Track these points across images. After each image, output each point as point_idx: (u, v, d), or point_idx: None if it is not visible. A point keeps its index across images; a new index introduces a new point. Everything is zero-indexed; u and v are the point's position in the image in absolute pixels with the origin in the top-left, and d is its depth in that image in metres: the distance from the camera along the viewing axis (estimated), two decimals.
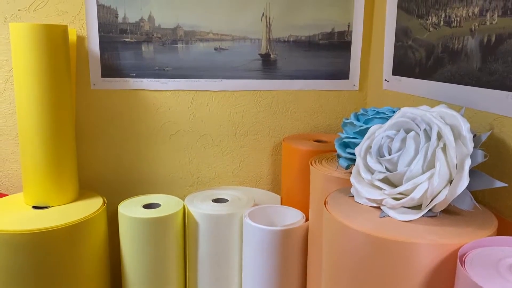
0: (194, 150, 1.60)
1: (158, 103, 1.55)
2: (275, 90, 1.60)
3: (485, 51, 0.97)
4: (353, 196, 0.96)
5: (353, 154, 1.11)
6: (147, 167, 1.59)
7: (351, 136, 1.12)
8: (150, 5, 1.48)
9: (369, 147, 0.96)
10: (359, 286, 0.83)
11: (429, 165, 0.85)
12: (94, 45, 1.47)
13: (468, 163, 0.81)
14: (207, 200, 1.49)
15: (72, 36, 1.43)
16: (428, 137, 0.87)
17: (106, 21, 1.47)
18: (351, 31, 1.59)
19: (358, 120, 1.14)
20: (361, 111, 1.14)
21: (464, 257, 0.71)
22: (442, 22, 1.14)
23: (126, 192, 1.59)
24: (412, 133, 0.89)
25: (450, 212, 0.88)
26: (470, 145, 0.83)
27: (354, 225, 0.83)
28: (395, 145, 0.90)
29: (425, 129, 0.88)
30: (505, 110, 0.92)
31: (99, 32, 1.47)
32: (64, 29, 1.29)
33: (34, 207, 1.33)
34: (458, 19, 1.07)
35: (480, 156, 0.84)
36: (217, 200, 1.51)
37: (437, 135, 0.86)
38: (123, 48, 1.49)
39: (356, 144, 1.10)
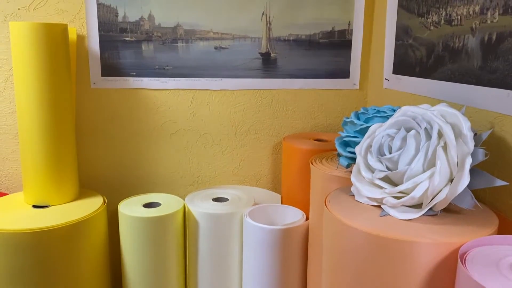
0: (195, 149, 1.60)
1: (158, 102, 1.55)
2: (275, 89, 1.60)
3: (486, 50, 0.97)
4: (353, 195, 0.96)
5: (354, 153, 1.11)
6: (147, 166, 1.59)
7: (351, 135, 1.11)
8: (150, 4, 1.47)
9: (370, 145, 0.96)
10: (359, 285, 0.83)
11: (430, 164, 0.85)
12: (94, 44, 1.47)
13: (468, 161, 0.81)
14: (207, 199, 1.49)
15: (72, 35, 1.43)
16: (428, 136, 0.87)
17: (106, 20, 1.46)
18: (352, 30, 1.59)
19: (358, 119, 1.14)
20: (362, 110, 1.14)
21: (465, 255, 0.71)
22: (442, 21, 1.14)
23: (126, 191, 1.59)
24: (412, 131, 0.88)
25: (450, 211, 0.88)
26: (471, 143, 0.82)
27: (355, 224, 0.82)
28: (396, 143, 0.90)
29: (425, 128, 0.88)
30: (506, 108, 0.91)
31: (99, 31, 1.46)
32: (64, 28, 1.28)
33: (34, 206, 1.33)
34: (459, 17, 1.07)
35: (481, 155, 0.84)
36: (217, 199, 1.51)
37: (437, 133, 0.86)
38: (123, 47, 1.49)
39: (357, 143, 1.10)
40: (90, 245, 1.29)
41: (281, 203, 1.58)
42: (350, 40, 1.60)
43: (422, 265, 0.76)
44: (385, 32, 1.46)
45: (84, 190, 1.46)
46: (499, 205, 0.95)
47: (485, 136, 0.87)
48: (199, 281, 1.45)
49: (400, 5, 1.36)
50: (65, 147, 1.32)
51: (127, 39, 1.49)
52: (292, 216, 1.43)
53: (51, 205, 1.33)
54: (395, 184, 0.90)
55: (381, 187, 0.91)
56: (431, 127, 0.87)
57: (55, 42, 1.25)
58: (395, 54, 1.41)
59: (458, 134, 0.85)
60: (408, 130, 0.91)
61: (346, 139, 1.12)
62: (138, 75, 1.51)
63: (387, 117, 1.09)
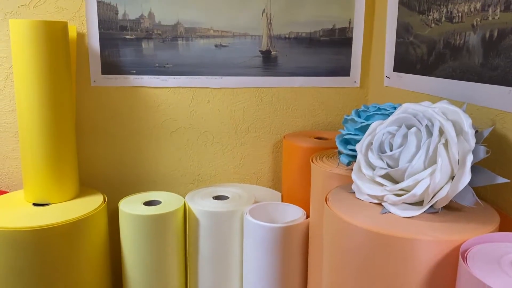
0: (195, 147, 1.60)
1: (159, 100, 1.54)
2: (275, 87, 1.60)
3: (487, 47, 0.97)
4: (354, 193, 0.96)
5: (354, 150, 1.10)
6: (147, 164, 1.58)
7: (352, 133, 1.11)
8: (150, 1, 1.47)
9: (370, 143, 0.96)
10: (360, 282, 0.82)
11: (431, 161, 0.85)
12: (94, 42, 1.47)
13: (470, 159, 0.81)
14: (207, 197, 1.48)
15: (72, 33, 1.42)
16: (429, 133, 0.87)
17: (106, 17, 1.46)
18: (352, 28, 1.59)
19: (359, 116, 1.13)
20: (362, 108, 1.14)
21: (466, 253, 0.71)
22: (443, 18, 1.13)
23: (127, 189, 1.59)
24: (413, 129, 0.88)
25: (451, 208, 0.87)
26: (472, 140, 0.82)
27: (355, 222, 0.82)
28: (397, 141, 0.90)
29: (426, 125, 0.87)
30: (507, 105, 0.91)
31: (99, 29, 1.46)
32: (64, 26, 1.28)
33: (34, 204, 1.33)
34: (460, 14, 1.06)
35: (482, 152, 0.84)
36: (217, 197, 1.50)
37: (439, 131, 0.85)
38: (123, 45, 1.49)
39: (357, 141, 1.09)
40: (90, 243, 1.29)
41: (282, 201, 1.58)
42: (351, 38, 1.59)
43: (423, 263, 0.76)
44: (386, 29, 1.46)
45: (84, 188, 1.46)
46: (500, 203, 0.95)
47: (486, 133, 0.87)
48: (200, 279, 1.45)
49: (400, 2, 1.36)
50: (65, 145, 1.32)
51: (127, 37, 1.48)
52: (293, 214, 1.42)
53: (51, 203, 1.33)
54: (396, 182, 0.90)
55: (382, 185, 0.90)
56: (432, 124, 0.87)
57: (55, 40, 1.25)
58: (395, 51, 1.40)
59: (459, 131, 0.84)
60: (409, 127, 0.91)
61: (347, 136, 1.11)
62: (138, 73, 1.51)
63: (388, 115, 1.08)
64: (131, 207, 1.39)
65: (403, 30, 1.35)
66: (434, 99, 1.18)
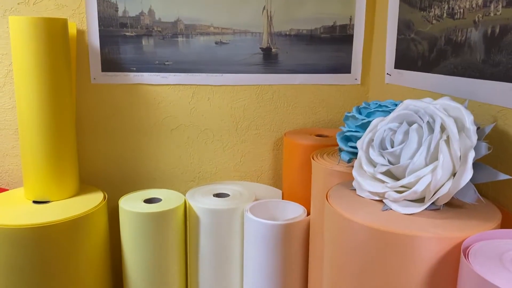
0: (195, 144, 1.60)
1: (159, 98, 1.54)
2: (276, 84, 1.59)
3: (489, 43, 0.96)
4: (355, 190, 0.96)
5: (355, 147, 1.10)
6: (148, 162, 1.58)
7: (353, 130, 1.11)
8: None
9: (372, 140, 0.95)
10: (361, 279, 0.82)
11: (432, 158, 0.84)
12: (94, 39, 1.46)
13: (471, 155, 0.80)
14: (208, 194, 1.48)
15: (72, 30, 1.42)
16: (431, 130, 0.86)
17: (106, 14, 1.46)
18: (353, 25, 1.58)
19: (360, 113, 1.13)
20: (363, 105, 1.13)
21: (467, 250, 0.71)
22: (445, 14, 1.13)
23: (127, 187, 1.59)
24: (415, 125, 0.88)
25: (453, 205, 0.87)
26: (474, 137, 0.82)
27: (356, 219, 0.82)
28: (398, 137, 0.90)
29: (428, 122, 0.87)
30: (509, 102, 0.91)
31: (99, 26, 1.46)
32: (63, 23, 1.28)
33: (34, 202, 1.32)
34: (462, 10, 1.06)
35: (484, 149, 0.83)
36: (218, 195, 1.50)
37: (440, 127, 0.85)
38: (123, 42, 1.48)
39: (358, 138, 1.09)
40: (90, 241, 1.29)
41: (282, 199, 1.57)
42: (352, 35, 1.59)
43: (424, 260, 0.75)
44: (387, 26, 1.45)
45: (84, 185, 1.46)
46: (502, 199, 0.95)
47: (488, 130, 0.86)
48: (200, 277, 1.45)
49: None
50: (65, 142, 1.32)
51: (127, 34, 1.48)
52: (293, 211, 1.42)
53: (51, 201, 1.33)
54: (397, 178, 0.89)
55: (383, 181, 0.90)
56: (434, 121, 0.86)
57: (55, 37, 1.25)
58: (396, 48, 1.40)
59: (461, 128, 0.84)
60: (410, 124, 0.90)
61: (348, 133, 1.11)
62: (139, 70, 1.50)
63: (389, 112, 1.08)
64: (131, 204, 1.38)
65: (404, 26, 1.35)
66: (436, 96, 1.17)
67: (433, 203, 0.84)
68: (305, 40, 1.57)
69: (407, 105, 0.93)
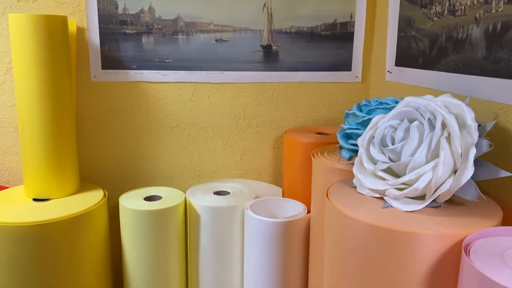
0: (196, 142, 1.59)
1: (159, 95, 1.54)
2: (276, 82, 1.59)
3: (490, 40, 0.96)
4: (355, 187, 0.95)
5: (356, 145, 1.10)
6: (148, 160, 1.58)
7: (353, 127, 1.10)
8: None
9: (372, 137, 0.95)
10: (362, 277, 0.82)
11: (433, 155, 0.84)
12: (94, 36, 1.46)
13: (473, 152, 0.80)
14: (208, 192, 1.48)
15: (72, 27, 1.41)
16: (432, 127, 0.86)
17: (106, 12, 1.45)
18: (354, 22, 1.57)
19: (360, 110, 1.13)
20: (364, 102, 1.13)
21: (469, 247, 0.70)
22: (446, 11, 1.12)
23: (127, 184, 1.58)
24: (416, 122, 0.87)
25: (454, 202, 0.87)
26: (475, 134, 0.81)
27: (357, 216, 0.82)
28: (399, 134, 0.89)
29: (429, 119, 0.87)
30: (511, 99, 0.90)
31: (99, 23, 1.45)
32: (63, 20, 1.27)
33: (34, 199, 1.32)
34: (463, 7, 1.05)
35: (485, 146, 0.83)
36: (218, 193, 1.50)
37: (441, 124, 0.84)
38: (123, 40, 1.48)
39: (359, 135, 1.09)
40: (90, 238, 1.29)
41: (283, 197, 1.57)
42: (352, 33, 1.58)
43: (425, 257, 0.75)
44: (388, 24, 1.45)
45: (84, 183, 1.46)
46: (503, 197, 0.94)
47: (489, 127, 0.86)
48: (200, 274, 1.45)
49: None
50: (66, 140, 1.32)
51: (127, 31, 1.48)
52: (294, 209, 1.42)
53: (51, 198, 1.33)
54: (397, 176, 0.89)
55: (383, 179, 0.90)
56: (435, 118, 0.86)
57: (54, 34, 1.24)
58: (397, 46, 1.39)
59: (462, 125, 0.84)
60: (411, 121, 0.90)
61: (348, 131, 1.11)
62: (139, 67, 1.50)
63: (390, 109, 1.08)
64: (131, 202, 1.38)
65: (405, 24, 1.34)
66: (437, 93, 1.17)
67: (434, 200, 0.84)
68: (306, 37, 1.56)
69: (408, 102, 0.93)
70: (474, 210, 0.83)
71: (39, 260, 1.19)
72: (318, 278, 1.31)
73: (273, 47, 1.56)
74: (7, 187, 1.49)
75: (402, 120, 0.92)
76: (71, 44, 1.40)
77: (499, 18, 0.93)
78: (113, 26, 1.46)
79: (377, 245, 0.78)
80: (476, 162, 0.83)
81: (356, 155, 1.10)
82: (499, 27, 0.93)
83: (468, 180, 0.81)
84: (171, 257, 1.40)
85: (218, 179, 1.63)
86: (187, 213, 1.44)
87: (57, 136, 1.29)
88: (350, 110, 1.13)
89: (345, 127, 1.12)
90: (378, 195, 0.90)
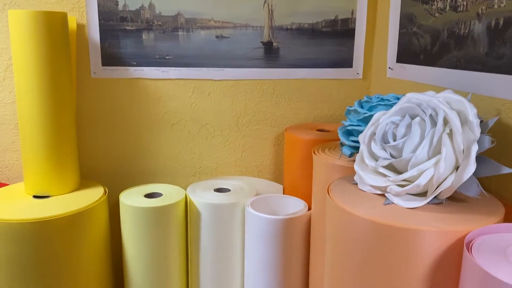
0: (196, 139, 1.59)
1: (159, 92, 1.53)
2: (277, 79, 1.58)
3: (493, 35, 0.95)
4: (356, 184, 0.95)
5: (357, 142, 1.09)
6: (148, 157, 1.58)
7: (354, 124, 1.10)
8: None
9: (374, 133, 0.94)
10: (363, 274, 0.82)
11: (435, 151, 0.83)
12: (94, 33, 1.45)
13: (475, 149, 0.79)
14: (209, 189, 1.48)
15: (72, 24, 1.41)
16: (434, 123, 0.85)
17: (106, 8, 1.45)
18: (355, 19, 1.57)
19: (362, 107, 1.12)
20: (365, 98, 1.12)
21: (471, 244, 0.70)
22: (448, 7, 1.12)
23: (128, 181, 1.58)
24: (417, 118, 0.87)
25: (456, 199, 0.86)
26: (477, 130, 0.81)
27: (358, 212, 0.81)
28: (400, 131, 0.89)
29: (431, 115, 0.86)
30: None
31: (99, 20, 1.45)
32: (63, 17, 1.27)
33: (34, 196, 1.32)
34: (465, 3, 1.05)
35: (487, 142, 0.82)
36: (219, 190, 1.50)
37: (443, 120, 0.84)
38: (123, 36, 1.47)
39: (360, 132, 1.08)
40: (91, 236, 1.29)
41: (283, 194, 1.57)
42: (353, 29, 1.58)
43: (427, 254, 0.75)
44: (389, 20, 1.44)
45: (85, 180, 1.45)
46: (505, 194, 0.94)
47: (491, 123, 0.85)
48: (201, 272, 1.44)
49: None
50: (66, 137, 1.31)
51: (127, 28, 1.47)
52: (294, 206, 1.41)
53: (51, 196, 1.32)
54: (399, 172, 0.88)
55: (385, 175, 0.89)
56: (437, 114, 0.86)
57: (54, 30, 1.24)
58: (399, 42, 1.38)
59: (464, 121, 0.83)
60: (413, 117, 0.89)
61: (349, 128, 1.10)
62: (139, 64, 1.50)
63: (391, 105, 1.07)
64: (132, 199, 1.38)
65: (406, 20, 1.33)
66: (438, 89, 1.16)
67: (435, 197, 0.83)
68: (307, 34, 1.56)
69: (410, 98, 0.92)
70: (476, 206, 0.83)
71: (39, 257, 1.19)
72: (319, 275, 1.30)
73: (274, 44, 1.55)
74: (7, 184, 1.49)
75: (403, 117, 0.91)
76: (71, 41, 1.40)
77: (501, 14, 0.92)
78: (113, 23, 1.46)
79: (378, 242, 0.78)
80: (478, 158, 0.82)
81: (357, 152, 1.10)
82: (501, 22, 0.92)
83: (470, 176, 0.80)
84: (172, 254, 1.40)
85: (219, 176, 1.63)
86: (188, 210, 1.43)
87: (57, 133, 1.29)
88: (351, 107, 1.12)
89: (346, 123, 1.11)
90: (379, 192, 0.89)
